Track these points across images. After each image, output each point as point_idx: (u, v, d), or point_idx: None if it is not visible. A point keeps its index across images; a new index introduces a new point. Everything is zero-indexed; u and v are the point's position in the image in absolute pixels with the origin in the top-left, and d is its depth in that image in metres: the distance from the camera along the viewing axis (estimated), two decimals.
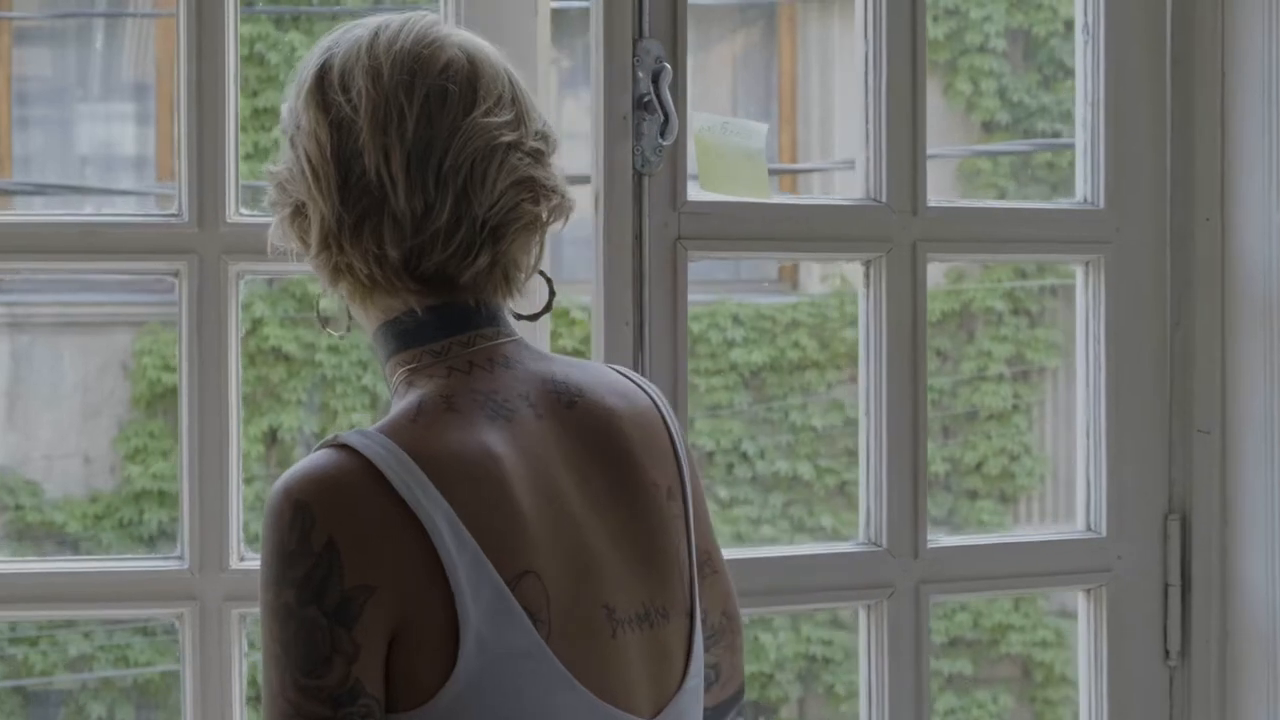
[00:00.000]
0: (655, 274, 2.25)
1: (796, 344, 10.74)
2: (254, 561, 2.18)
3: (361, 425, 9.68)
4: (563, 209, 1.74)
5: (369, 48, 1.68)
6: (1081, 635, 2.47)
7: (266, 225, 1.77)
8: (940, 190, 11.02)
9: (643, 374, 2.18)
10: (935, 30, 10.91)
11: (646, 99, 2.20)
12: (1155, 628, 2.51)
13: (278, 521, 1.58)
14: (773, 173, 11.03)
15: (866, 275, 2.39)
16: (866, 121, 2.37)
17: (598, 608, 1.66)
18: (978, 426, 11.00)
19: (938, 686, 10.64)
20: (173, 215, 2.18)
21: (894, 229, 2.37)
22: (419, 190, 1.65)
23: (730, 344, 10.68)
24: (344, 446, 1.61)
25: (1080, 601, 2.51)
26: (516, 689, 1.58)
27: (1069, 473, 11.28)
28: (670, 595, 1.72)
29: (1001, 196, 10.96)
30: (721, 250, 2.34)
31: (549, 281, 1.79)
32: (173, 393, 10.33)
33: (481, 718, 1.57)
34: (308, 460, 1.61)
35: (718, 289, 10.80)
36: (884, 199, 2.36)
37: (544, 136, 1.73)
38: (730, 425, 10.64)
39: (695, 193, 2.29)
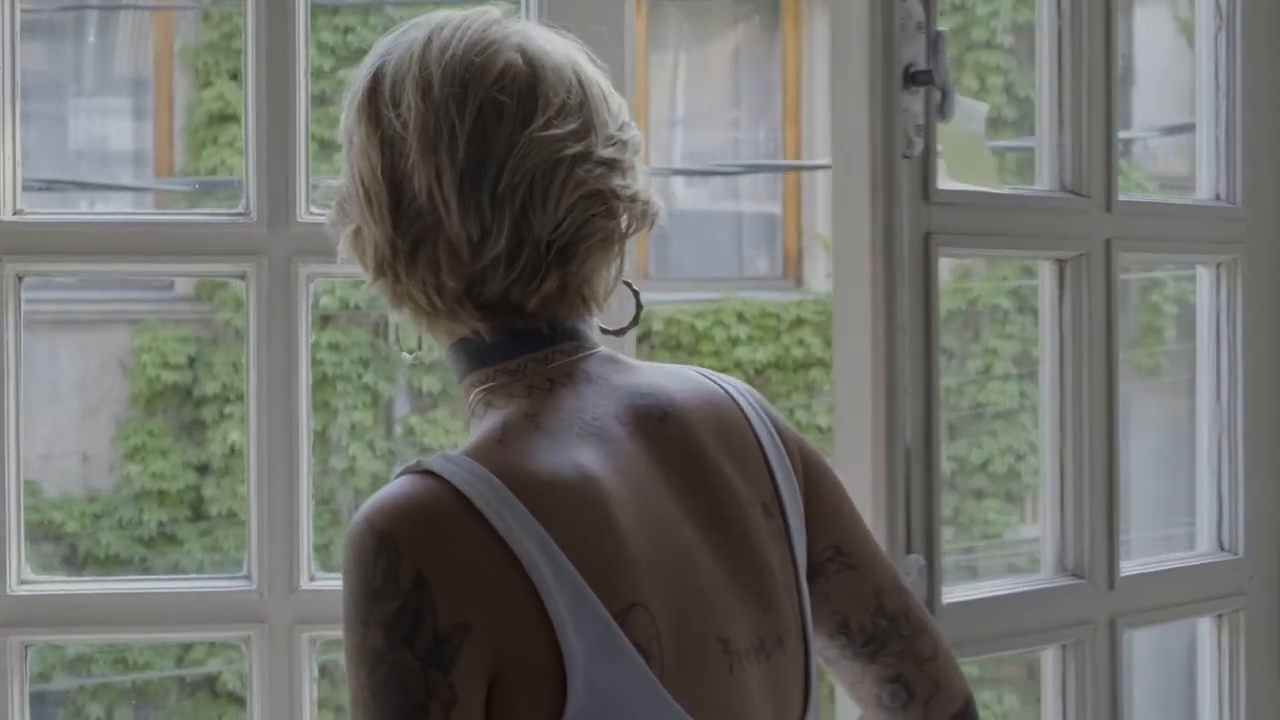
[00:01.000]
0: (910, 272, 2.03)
1: (801, 342, 10.72)
2: (326, 582, 2.06)
3: (362, 424, 9.75)
4: (646, 216, 1.61)
5: (420, 56, 1.57)
6: (1208, 662, 2.31)
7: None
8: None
9: (894, 381, 1.96)
10: (942, 25, 10.82)
11: (916, 70, 1.97)
12: None
13: (360, 555, 1.46)
14: (773, 169, 11.04)
15: (1061, 275, 2.17)
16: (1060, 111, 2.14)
17: (712, 641, 1.54)
18: (984, 425, 10.97)
19: None
20: (240, 214, 2.05)
21: (1090, 226, 2.18)
22: (474, 213, 1.53)
23: (735, 341, 10.64)
24: (427, 472, 1.49)
25: (1206, 627, 2.36)
26: None
27: None
28: (782, 621, 1.60)
29: None
30: (971, 246, 2.10)
31: (635, 294, 1.66)
32: (173, 390, 10.25)
33: None
34: (388, 488, 1.50)
35: (720, 287, 10.75)
36: (1085, 192, 2.18)
37: (619, 142, 1.59)
38: None
39: (944, 181, 2.08)
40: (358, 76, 1.61)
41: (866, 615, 1.67)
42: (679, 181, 11.35)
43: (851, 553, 1.68)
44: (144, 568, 10.08)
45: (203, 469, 10.28)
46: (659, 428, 1.58)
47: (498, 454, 1.50)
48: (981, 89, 10.92)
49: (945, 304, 11.29)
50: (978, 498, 10.97)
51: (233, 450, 10.09)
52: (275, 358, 2.04)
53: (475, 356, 1.59)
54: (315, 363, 10.31)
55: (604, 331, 1.65)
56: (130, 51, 10.65)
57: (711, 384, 1.67)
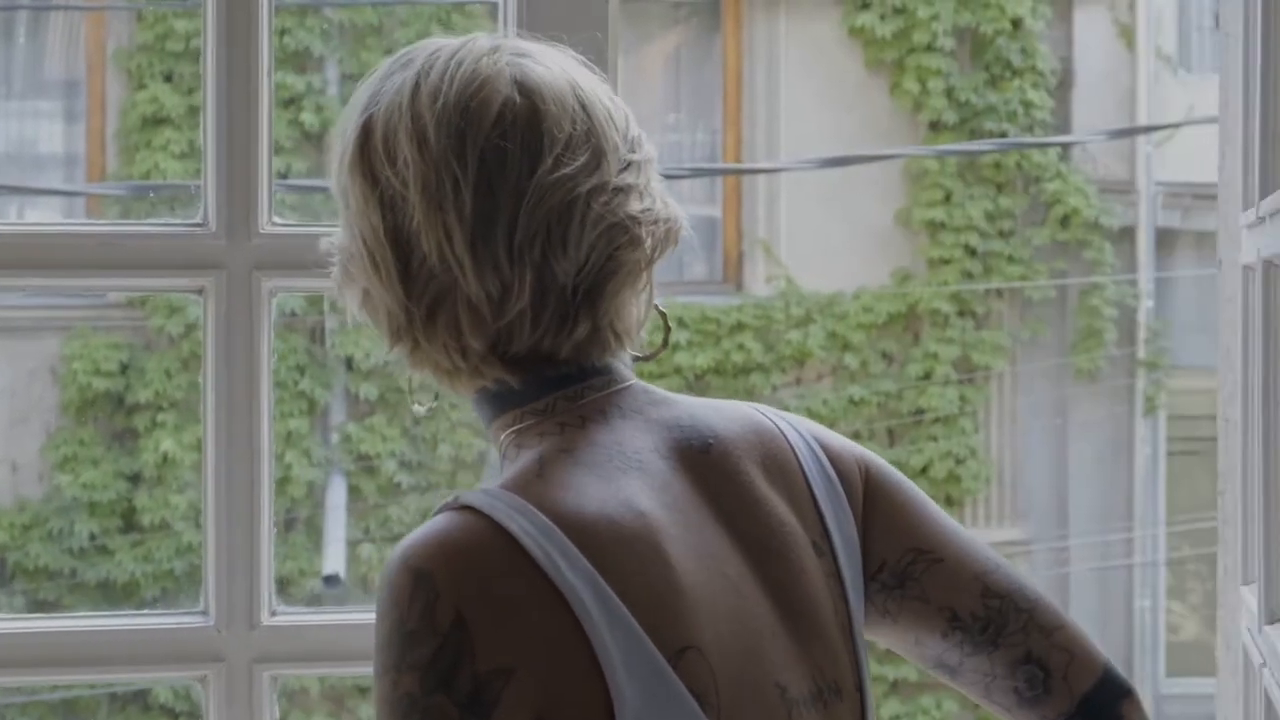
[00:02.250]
0: None
1: (741, 346, 10.68)
2: (290, 616, 1.94)
3: (298, 431, 9.62)
4: (670, 236, 1.50)
5: (411, 102, 1.45)
6: None
7: (303, 236, 1.51)
8: (888, 190, 11.02)
9: None
10: (883, 29, 10.86)
11: None
12: None
13: (395, 596, 1.36)
14: (716, 173, 10.97)
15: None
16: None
17: (769, 687, 1.43)
18: (924, 429, 10.96)
19: (882, 692, 10.62)
20: (197, 225, 1.92)
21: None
22: (491, 270, 1.43)
23: (674, 347, 10.58)
24: (466, 508, 1.39)
25: None
26: None
27: (1014, 475, 11.25)
28: (838, 666, 1.49)
29: (947, 197, 10.93)
30: None
31: (664, 316, 1.55)
32: (104, 398, 10.09)
33: None
34: (426, 525, 1.39)
35: (660, 291, 10.68)
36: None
37: (632, 164, 1.48)
38: None
39: None
40: (345, 129, 1.50)
41: (976, 599, 1.54)
42: None
43: (934, 549, 1.55)
44: (74, 580, 9.91)
45: (134, 479, 10.13)
46: (702, 459, 1.49)
47: (538, 488, 1.41)
48: (922, 92, 10.91)
49: (886, 309, 11.29)
50: None
51: (165, 459, 9.94)
52: (236, 380, 1.91)
53: (501, 401, 1.50)
54: None
55: (634, 358, 1.55)
56: (62, 53, 10.49)
57: (757, 415, 1.56)
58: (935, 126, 11.03)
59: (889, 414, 10.98)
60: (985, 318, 11.16)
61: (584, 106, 1.47)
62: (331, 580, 10.13)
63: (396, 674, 1.34)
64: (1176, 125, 10.65)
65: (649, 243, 1.47)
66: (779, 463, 1.52)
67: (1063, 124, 11.34)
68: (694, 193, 11.25)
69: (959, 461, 11.00)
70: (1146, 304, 11.42)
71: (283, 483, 10.12)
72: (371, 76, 1.51)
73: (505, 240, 1.42)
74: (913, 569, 1.54)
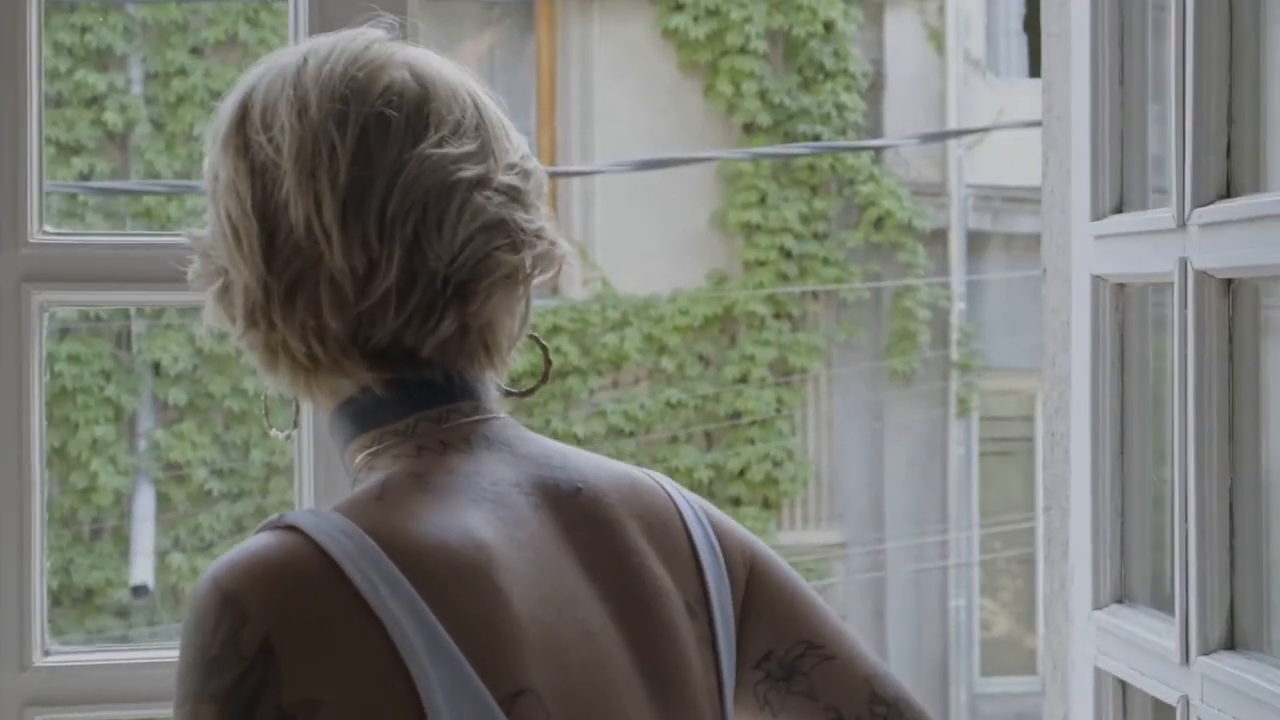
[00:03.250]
0: None
1: (558, 350, 10.63)
2: (65, 656, 1.81)
3: (104, 438, 9.37)
4: (552, 259, 1.41)
5: (295, 76, 1.38)
6: None
7: (78, 246, 1.39)
8: (703, 192, 11.04)
9: None
10: (696, 30, 10.87)
11: None
12: None
13: (200, 619, 1.25)
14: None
15: None
16: None
17: None
18: (741, 433, 10.98)
19: None
20: None
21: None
22: (359, 243, 1.34)
23: None
24: (290, 528, 1.29)
25: None
26: None
27: (831, 477, 11.31)
28: None
29: (762, 199, 10.97)
30: None
31: (544, 348, 1.47)
32: None
33: None
34: (243, 544, 1.29)
35: None
36: None
37: (523, 172, 1.40)
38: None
39: None
40: (223, 108, 1.41)
41: (863, 704, 1.46)
42: None
43: (826, 644, 1.48)
44: None
45: None
46: (569, 502, 1.40)
47: (373, 511, 1.31)
48: (736, 94, 10.93)
49: (703, 311, 11.33)
50: (735, 505, 10.97)
51: None
52: (4, 399, 1.78)
53: (362, 418, 1.39)
54: (54, 375, 9.92)
55: (506, 393, 1.45)
56: None
57: (640, 473, 1.48)
58: (749, 129, 11.06)
59: (706, 417, 10.99)
60: (801, 320, 11.21)
61: (477, 104, 1.40)
62: (140, 591, 9.91)
63: (195, 704, 1.24)
64: (987, 129, 10.75)
65: (529, 254, 1.39)
66: (659, 519, 1.44)
67: (875, 126, 11.42)
68: None
69: (776, 464, 11.04)
70: (959, 306, 11.54)
71: (88, 491, 9.92)
72: (253, 68, 1.43)
73: (377, 213, 1.34)
74: (802, 662, 1.47)
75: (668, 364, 10.83)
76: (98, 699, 1.83)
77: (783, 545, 11.11)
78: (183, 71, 10.22)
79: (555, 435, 10.61)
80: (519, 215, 1.38)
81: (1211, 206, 1.83)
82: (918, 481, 11.54)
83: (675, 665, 1.39)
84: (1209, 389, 1.84)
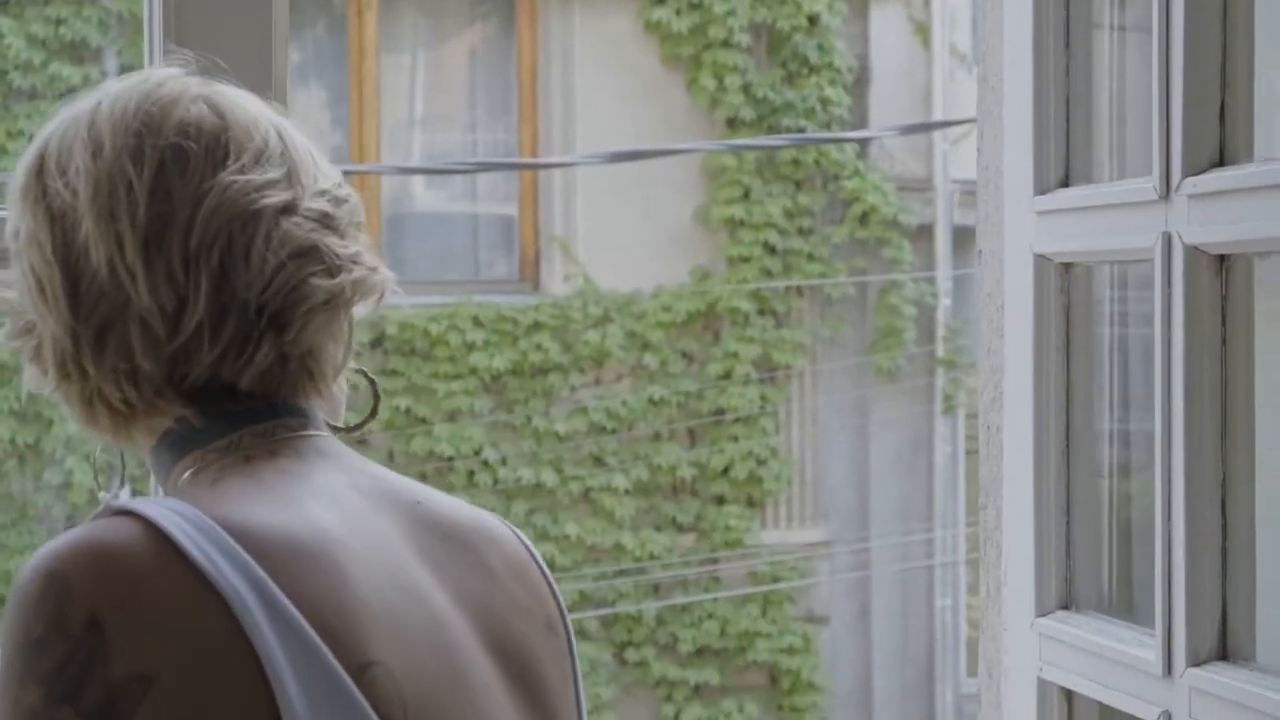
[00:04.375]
0: None
1: (539, 346, 10.56)
2: None
3: (79, 436, 9.29)
4: (373, 285, 1.38)
5: (90, 119, 1.35)
6: None
7: None
8: (686, 187, 10.93)
9: None
10: (679, 24, 10.79)
11: None
12: None
13: (22, 603, 1.22)
14: (512, 167, 10.82)
15: None
16: None
17: None
18: (725, 430, 10.90)
19: (684, 697, 10.64)
20: None
21: None
22: (164, 280, 1.31)
23: (470, 347, 10.43)
24: (122, 511, 1.25)
25: None
26: None
27: (815, 475, 11.23)
28: None
29: (746, 194, 10.90)
30: None
31: (373, 383, 1.42)
32: None
33: None
34: (70, 531, 1.25)
35: (455, 290, 10.55)
36: None
37: (335, 199, 1.38)
38: (471, 432, 10.44)
39: None
40: (20, 163, 1.38)
41: None
42: (417, 182, 11.14)
43: None
44: None
45: None
46: (411, 510, 1.37)
47: (208, 498, 1.29)
48: (719, 88, 10.84)
49: (686, 307, 11.25)
50: (719, 504, 10.89)
51: None
52: None
53: (181, 444, 1.35)
54: None
55: (334, 429, 1.40)
56: None
57: (478, 510, 1.45)
58: (733, 123, 10.97)
59: (689, 414, 10.90)
60: (785, 316, 11.13)
61: (280, 133, 1.38)
62: None
63: (20, 689, 1.20)
64: (970, 121, 10.64)
65: (347, 279, 1.36)
66: (507, 544, 1.42)
67: (860, 121, 11.34)
68: (491, 190, 11.13)
69: (760, 462, 10.97)
70: (945, 302, 11.47)
71: (63, 488, 9.86)
72: (45, 125, 1.40)
73: (180, 245, 1.31)
74: None
75: (650, 360, 10.74)
76: None
77: (767, 544, 11.03)
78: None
79: (536, 433, 10.54)
80: (332, 241, 1.35)
81: (1204, 175, 1.69)
82: (903, 479, 11.46)
83: (531, 665, 1.37)
84: (1199, 375, 1.70)
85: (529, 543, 1.45)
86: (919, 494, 11.49)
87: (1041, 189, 1.91)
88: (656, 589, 10.66)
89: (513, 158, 11.03)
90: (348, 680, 1.23)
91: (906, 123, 11.09)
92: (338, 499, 1.33)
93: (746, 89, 10.95)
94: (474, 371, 10.51)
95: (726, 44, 10.89)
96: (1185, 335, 1.69)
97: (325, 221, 1.36)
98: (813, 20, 11.04)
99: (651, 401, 10.77)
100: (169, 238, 1.31)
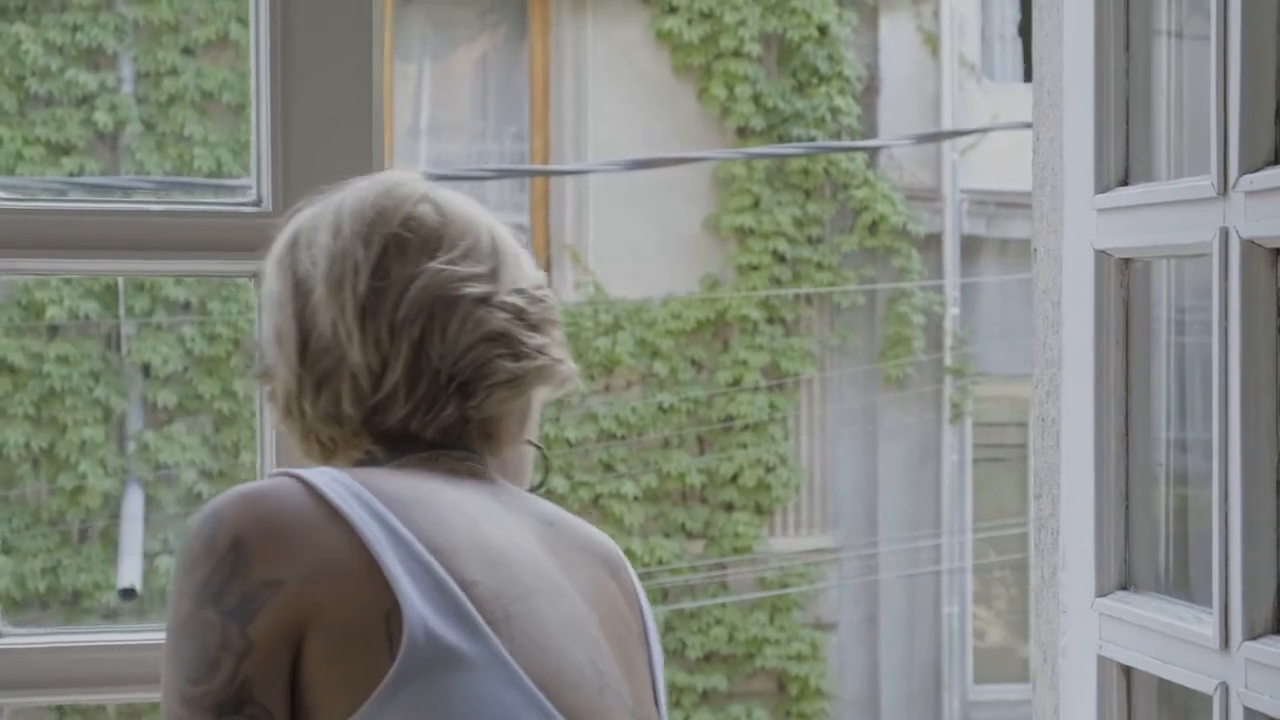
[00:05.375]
0: None
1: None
2: (15, 638, 1.76)
3: (93, 440, 9.33)
4: (559, 376, 1.61)
5: (337, 206, 1.61)
6: None
7: (23, 212, 1.36)
8: (697, 196, 11.00)
9: None
10: (690, 33, 10.85)
11: None
12: None
13: (188, 536, 1.48)
14: (528, 174, 10.86)
15: None
16: None
17: (585, 661, 1.52)
18: (734, 437, 10.95)
19: (692, 703, 10.67)
20: None
21: None
22: (373, 343, 1.56)
23: None
24: (282, 473, 1.52)
25: None
26: (476, 695, 1.43)
27: (824, 482, 11.27)
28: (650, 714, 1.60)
29: (756, 203, 10.95)
30: None
31: (544, 455, 1.68)
32: None
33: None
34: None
35: None
36: None
37: (531, 297, 1.60)
38: None
39: None
40: (278, 237, 1.64)
41: None
42: None
43: None
44: None
45: None
46: (546, 529, 1.58)
47: (365, 474, 1.53)
48: (730, 98, 10.90)
49: (695, 315, 11.31)
50: (728, 511, 10.94)
51: None
52: None
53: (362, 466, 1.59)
54: (43, 376, 9.88)
55: None
56: None
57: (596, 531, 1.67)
58: (743, 132, 11.03)
59: (699, 421, 10.96)
60: (794, 324, 11.18)
61: (493, 235, 1.61)
62: (128, 594, 9.85)
63: (176, 601, 1.46)
64: (984, 130, 10.72)
65: (530, 366, 1.57)
66: (612, 563, 1.62)
67: (869, 130, 11.40)
68: (501, 198, 11.15)
69: (769, 469, 11.02)
70: (953, 311, 11.51)
71: (77, 493, 9.89)
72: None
73: (389, 316, 1.56)
74: None
75: (660, 368, 10.79)
76: (54, 683, 1.79)
77: (775, 551, 11.07)
78: (174, 71, 10.18)
79: (546, 439, 10.57)
80: (522, 331, 1.57)
81: (1261, 173, 1.77)
82: (911, 487, 11.51)
83: (634, 669, 1.58)
84: (1256, 364, 1.78)
85: (630, 570, 1.66)
86: (927, 502, 11.54)
87: (1102, 187, 1.99)
88: (665, 595, 10.71)
89: (523, 165, 11.09)
90: (454, 585, 1.46)
91: (915, 132, 11.14)
92: (473, 495, 1.55)
93: (757, 98, 11.02)
94: None
95: (737, 53, 10.95)
96: (1242, 325, 1.77)
97: (518, 314, 1.57)
98: (823, 30, 11.10)
99: (661, 409, 10.82)
100: (382, 309, 1.55)
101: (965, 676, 11.57)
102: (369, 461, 1.58)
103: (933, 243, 11.48)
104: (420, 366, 1.56)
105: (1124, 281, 1.98)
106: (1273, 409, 1.75)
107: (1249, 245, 1.77)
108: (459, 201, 1.63)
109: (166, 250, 1.78)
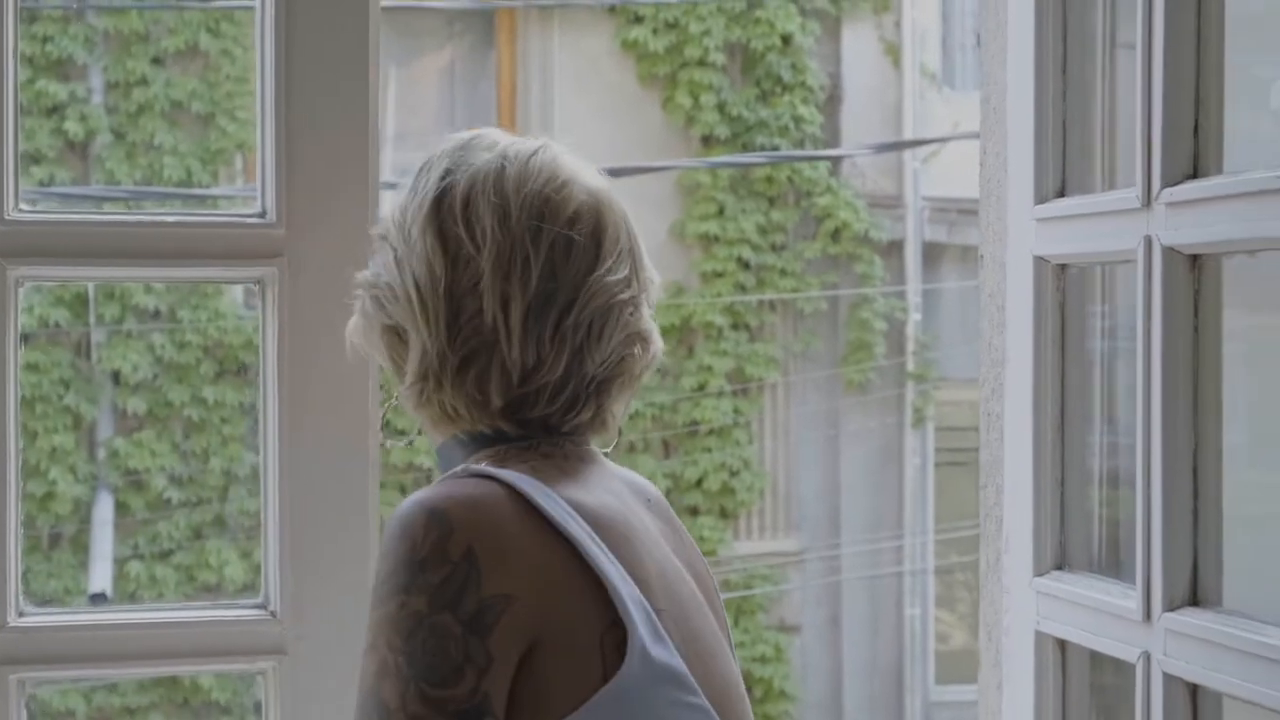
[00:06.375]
0: None
1: None
2: (36, 618, 1.87)
3: (63, 447, 9.33)
4: (658, 355, 1.71)
5: (495, 181, 1.64)
6: None
7: (54, 224, 1.47)
8: (662, 203, 11.10)
9: None
10: (656, 43, 10.93)
11: None
12: None
13: (407, 530, 1.52)
14: None
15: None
16: None
17: (733, 689, 1.65)
18: (698, 442, 11.03)
19: None
20: None
21: None
22: (534, 343, 1.62)
23: None
24: (474, 474, 1.58)
25: None
26: (673, 717, 1.55)
27: (788, 486, 11.37)
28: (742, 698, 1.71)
29: (720, 210, 11.05)
30: None
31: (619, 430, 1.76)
32: None
33: None
34: (440, 482, 1.57)
35: None
36: None
37: (650, 283, 1.70)
38: None
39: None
40: (421, 184, 1.68)
41: None
42: (388, 197, 11.20)
43: None
44: None
45: None
46: (650, 506, 1.71)
47: (534, 477, 1.59)
48: (695, 106, 10.99)
49: (660, 320, 11.30)
50: (692, 515, 11.01)
51: None
52: None
53: (487, 442, 1.65)
54: None
55: None
56: None
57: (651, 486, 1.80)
58: (708, 141, 11.11)
59: (664, 426, 11.03)
60: (759, 330, 11.27)
61: (628, 232, 1.68)
62: (98, 598, 9.91)
63: (405, 596, 1.50)
64: (945, 139, 10.85)
65: (653, 354, 1.68)
66: (677, 522, 1.76)
67: (832, 139, 11.50)
68: None
69: (733, 474, 11.09)
70: (914, 317, 11.62)
71: (47, 499, 9.90)
72: (444, 147, 1.70)
73: (555, 321, 1.61)
74: None
75: None
76: (74, 659, 1.89)
77: (740, 554, 11.15)
78: (144, 81, 10.24)
79: None
80: (646, 325, 1.67)
81: (1180, 186, 1.93)
82: (874, 491, 11.60)
83: (715, 606, 1.70)
84: (1175, 359, 1.93)
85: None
86: (889, 505, 11.63)
87: (1041, 198, 2.15)
88: None
89: None
90: (652, 610, 1.56)
91: (877, 141, 11.26)
92: (612, 489, 1.65)
93: (721, 107, 11.11)
94: None
95: (702, 63, 11.04)
96: (1163, 326, 1.94)
97: (641, 307, 1.67)
98: (786, 40, 11.21)
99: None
100: (548, 312, 1.61)
101: (927, 677, 11.66)
102: (497, 438, 1.63)
103: (895, 249, 11.59)
104: (572, 371, 1.62)
105: (1060, 286, 2.14)
106: (1190, 402, 1.91)
107: (1169, 252, 1.93)
108: (605, 191, 1.68)
109: (177, 258, 1.89)
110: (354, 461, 1.95)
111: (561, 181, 1.65)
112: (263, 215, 1.91)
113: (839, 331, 11.47)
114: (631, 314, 1.65)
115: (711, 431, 11.06)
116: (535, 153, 1.66)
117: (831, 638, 11.48)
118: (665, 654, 1.55)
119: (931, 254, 11.76)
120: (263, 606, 1.94)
